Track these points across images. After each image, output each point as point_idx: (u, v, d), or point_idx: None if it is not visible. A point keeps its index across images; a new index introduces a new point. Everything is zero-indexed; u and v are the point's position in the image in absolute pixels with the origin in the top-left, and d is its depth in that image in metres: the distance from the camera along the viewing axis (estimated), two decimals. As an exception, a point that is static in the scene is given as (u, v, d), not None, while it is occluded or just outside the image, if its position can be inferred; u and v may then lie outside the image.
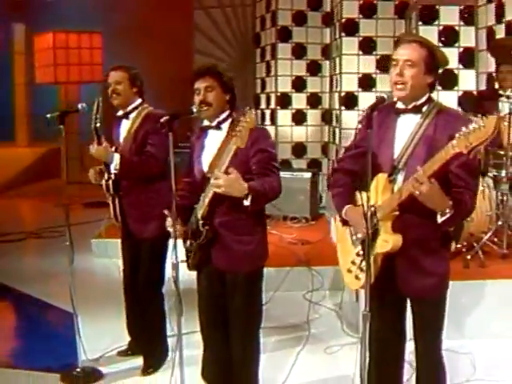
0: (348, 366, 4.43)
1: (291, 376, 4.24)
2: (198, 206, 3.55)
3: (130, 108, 4.31)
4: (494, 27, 6.61)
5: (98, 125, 4.18)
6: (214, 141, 3.55)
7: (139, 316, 4.49)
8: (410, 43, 3.00)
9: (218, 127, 3.52)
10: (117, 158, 4.15)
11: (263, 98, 10.03)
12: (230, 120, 3.52)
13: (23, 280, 6.53)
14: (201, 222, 3.51)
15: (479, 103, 5.88)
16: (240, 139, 3.13)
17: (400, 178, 2.95)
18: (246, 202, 3.25)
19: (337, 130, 9.01)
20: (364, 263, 2.90)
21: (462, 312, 4.71)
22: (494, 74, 6.25)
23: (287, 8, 9.31)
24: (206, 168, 3.55)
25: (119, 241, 4.62)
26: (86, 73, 13.87)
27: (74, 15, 12.55)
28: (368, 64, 8.38)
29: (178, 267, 3.40)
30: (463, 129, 2.57)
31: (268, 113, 9.78)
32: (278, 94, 9.54)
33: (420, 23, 7.18)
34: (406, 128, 2.99)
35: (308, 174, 8.16)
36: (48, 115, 4.12)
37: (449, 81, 7.16)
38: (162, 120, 3.30)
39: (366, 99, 8.40)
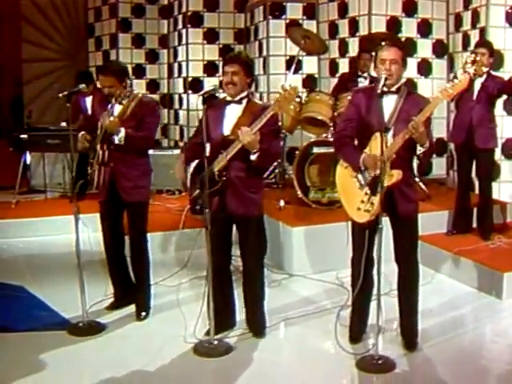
0: (285, 296, 5.67)
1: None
2: (216, 161, 4.44)
3: (122, 96, 4.93)
4: (336, 22, 8.18)
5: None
6: (233, 111, 4.51)
7: (133, 269, 5.20)
8: (391, 47, 4.30)
9: (239, 102, 4.50)
10: (123, 131, 4.79)
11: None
12: (247, 98, 4.53)
13: None
14: (217, 173, 4.43)
15: (342, 84, 7.36)
16: (278, 107, 4.22)
17: (389, 134, 4.23)
18: (253, 157, 4.32)
19: (180, 112, 10.01)
20: (373, 198, 4.17)
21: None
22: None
23: (127, 1, 10.09)
24: (227, 132, 4.48)
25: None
26: None
27: None
28: (212, 52, 9.55)
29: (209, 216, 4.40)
30: (446, 85, 4.04)
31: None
32: (119, 80, 10.23)
33: (270, 17, 8.52)
34: (390, 103, 4.26)
35: (177, 151, 8.73)
36: (60, 94, 4.78)
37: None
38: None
39: (211, 83, 9.55)
